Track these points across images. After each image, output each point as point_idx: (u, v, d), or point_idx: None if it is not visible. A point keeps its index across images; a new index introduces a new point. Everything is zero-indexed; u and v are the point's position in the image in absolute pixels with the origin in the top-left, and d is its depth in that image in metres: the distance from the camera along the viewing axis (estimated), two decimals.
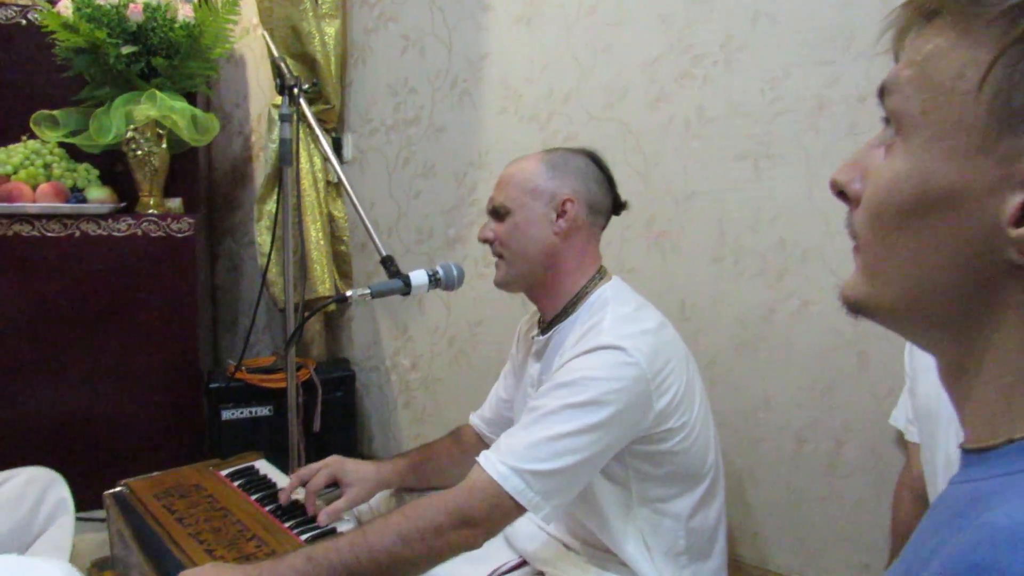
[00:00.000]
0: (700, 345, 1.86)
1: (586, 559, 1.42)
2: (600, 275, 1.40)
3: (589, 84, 2.01)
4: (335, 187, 2.49)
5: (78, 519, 1.84)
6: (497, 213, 1.38)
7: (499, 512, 1.16)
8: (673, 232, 1.90)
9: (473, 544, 1.17)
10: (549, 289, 1.39)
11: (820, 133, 1.67)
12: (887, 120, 0.52)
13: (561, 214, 1.34)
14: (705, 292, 1.87)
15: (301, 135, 2.34)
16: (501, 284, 1.41)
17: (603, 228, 1.43)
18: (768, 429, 1.81)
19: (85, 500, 1.93)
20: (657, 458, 1.30)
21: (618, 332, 1.24)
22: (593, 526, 1.35)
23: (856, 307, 0.55)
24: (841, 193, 0.56)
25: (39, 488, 1.79)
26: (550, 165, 1.37)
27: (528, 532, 1.47)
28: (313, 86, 2.18)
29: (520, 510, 1.17)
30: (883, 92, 0.52)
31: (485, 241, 1.41)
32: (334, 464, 1.53)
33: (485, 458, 1.19)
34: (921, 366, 1.18)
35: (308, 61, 2.38)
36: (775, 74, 1.71)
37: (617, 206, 1.44)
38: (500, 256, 1.39)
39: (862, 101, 1.60)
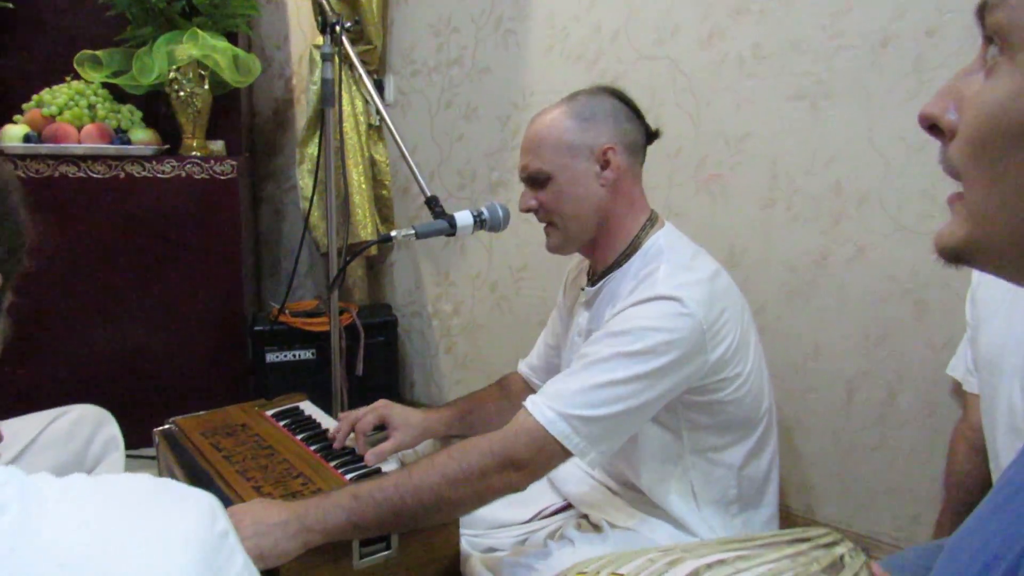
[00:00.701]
0: (749, 293, 1.78)
1: (629, 502, 1.40)
2: (652, 221, 1.35)
3: (638, 21, 1.94)
4: (376, 130, 2.45)
5: (127, 456, 1.88)
6: (536, 180, 1.32)
7: (544, 456, 1.15)
8: (724, 175, 1.84)
9: (517, 487, 1.16)
10: (602, 242, 1.35)
11: (883, 71, 1.59)
12: (989, 39, 0.47)
13: (604, 165, 1.29)
14: (755, 237, 1.81)
15: (343, 77, 2.31)
16: (555, 250, 1.37)
17: (642, 164, 1.37)
18: (818, 378, 1.76)
19: (133, 438, 1.96)
20: (710, 408, 1.27)
21: (674, 282, 1.20)
22: (636, 474, 1.33)
23: (957, 254, 0.49)
24: (932, 127, 0.51)
25: (89, 426, 1.83)
26: (578, 116, 1.30)
27: (574, 476, 1.46)
28: (355, 23, 2.14)
29: (565, 455, 1.16)
30: (984, 8, 0.47)
31: (528, 211, 1.35)
32: (382, 407, 1.53)
33: (532, 402, 1.17)
34: (984, 314, 1.13)
35: (350, 0, 2.33)
36: (837, 7, 1.62)
37: (650, 136, 1.38)
38: (549, 223, 1.34)
39: (930, 36, 1.52)
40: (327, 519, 1.13)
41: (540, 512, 1.47)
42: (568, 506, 1.48)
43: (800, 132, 1.72)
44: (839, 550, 0.80)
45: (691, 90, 1.87)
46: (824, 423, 1.77)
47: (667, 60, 1.90)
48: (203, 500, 0.57)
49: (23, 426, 1.74)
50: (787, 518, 1.82)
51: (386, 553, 1.26)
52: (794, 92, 1.71)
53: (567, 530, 1.34)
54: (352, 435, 1.50)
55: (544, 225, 1.35)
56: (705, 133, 1.86)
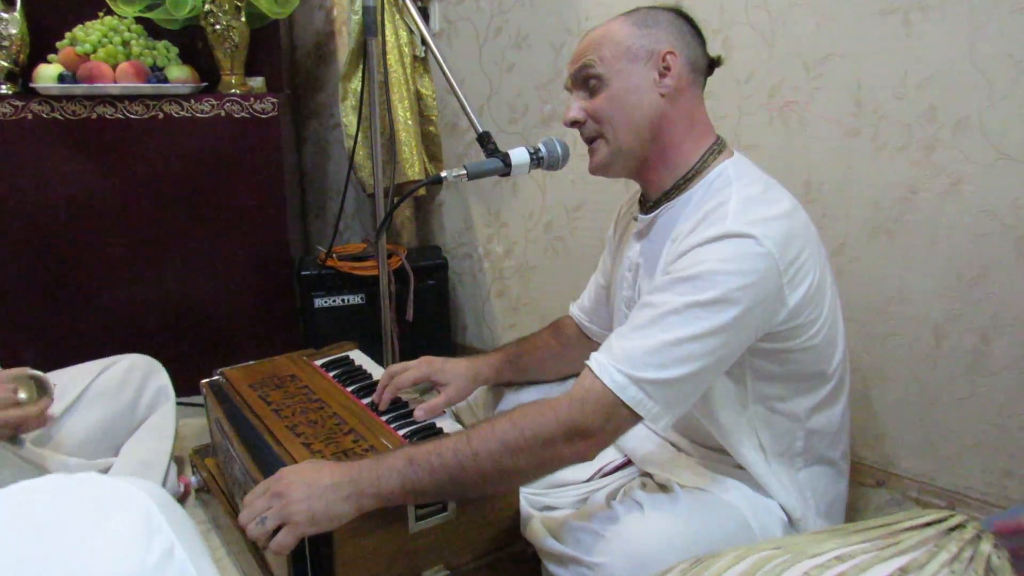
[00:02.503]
0: (827, 231, 1.67)
1: (698, 461, 1.32)
2: (719, 148, 1.22)
3: None
4: (421, 62, 2.32)
5: (178, 403, 1.86)
6: (587, 85, 1.20)
7: (614, 423, 1.06)
8: (801, 102, 1.68)
9: (585, 456, 1.08)
10: (657, 164, 1.22)
11: None
12: None
13: (665, 71, 1.17)
14: (836, 170, 1.66)
15: (385, 5, 2.17)
16: (601, 168, 1.24)
17: (703, 90, 1.24)
18: (902, 323, 1.63)
19: (184, 386, 1.94)
20: (780, 356, 1.17)
21: (746, 217, 1.08)
22: (708, 424, 1.24)
23: None
24: None
25: (140, 376, 1.81)
26: (638, 23, 1.19)
27: (637, 432, 1.36)
28: None
29: (637, 419, 1.07)
30: None
31: (574, 124, 1.23)
32: (425, 365, 1.46)
33: (598, 363, 1.07)
34: None
35: None
36: None
37: (712, 64, 1.25)
38: (598, 136, 1.22)
39: None
40: (381, 483, 1.08)
41: (600, 469, 1.39)
42: (628, 462, 1.40)
43: (889, 51, 1.54)
44: (984, 547, 0.67)
45: (765, 7, 1.69)
46: (907, 371, 1.64)
47: None
48: (136, 524, 0.48)
49: (73, 377, 1.73)
50: (860, 470, 1.71)
51: (443, 515, 1.21)
52: (883, 5, 1.53)
53: (633, 491, 1.25)
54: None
55: (590, 143, 1.23)
56: (780, 55, 1.69)
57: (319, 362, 1.71)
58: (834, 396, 1.23)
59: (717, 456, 1.29)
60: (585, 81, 1.21)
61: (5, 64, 2.05)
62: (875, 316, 1.65)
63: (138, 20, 2.10)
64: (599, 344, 1.13)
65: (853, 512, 1.63)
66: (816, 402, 1.21)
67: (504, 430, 1.07)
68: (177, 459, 1.85)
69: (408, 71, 2.26)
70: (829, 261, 1.23)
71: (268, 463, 1.26)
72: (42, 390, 1.53)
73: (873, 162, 1.60)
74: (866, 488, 1.70)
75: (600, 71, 1.18)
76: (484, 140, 1.38)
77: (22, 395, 1.50)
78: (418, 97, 2.33)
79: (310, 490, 1.07)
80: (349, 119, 2.29)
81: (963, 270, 1.53)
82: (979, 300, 1.52)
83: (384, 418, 1.41)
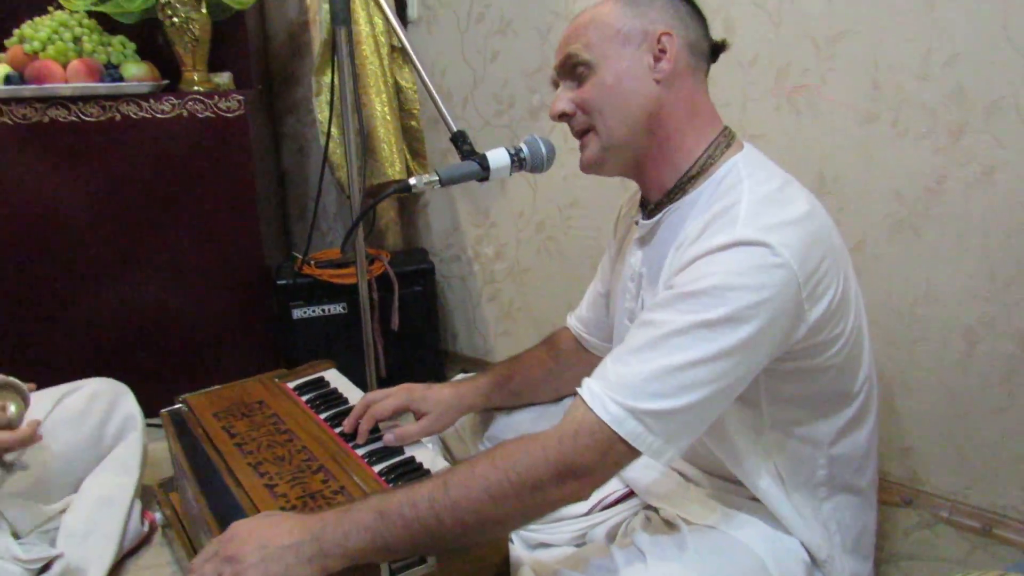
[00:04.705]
0: (844, 226, 1.50)
1: (709, 493, 1.18)
2: (727, 141, 1.08)
3: None
4: (400, 52, 2.16)
5: (150, 425, 1.74)
6: (574, 73, 1.07)
7: (611, 459, 0.93)
8: (812, 85, 1.54)
9: (579, 497, 0.95)
10: (656, 159, 1.08)
11: None
12: None
13: (659, 55, 1.03)
14: (853, 159, 1.51)
15: None
16: (594, 165, 1.10)
17: (706, 73, 1.10)
18: (929, 327, 1.49)
19: (154, 405, 1.80)
20: (801, 376, 1.03)
21: (760, 221, 0.93)
22: (719, 452, 1.10)
23: None
24: None
25: (105, 402, 1.70)
26: (629, 2, 1.05)
27: (640, 461, 1.23)
28: None
29: (636, 455, 0.93)
30: None
31: (561, 117, 1.09)
32: (405, 393, 1.34)
33: (591, 392, 0.93)
34: None
35: None
36: None
37: (715, 49, 1.11)
38: (588, 130, 1.08)
39: None
40: (348, 541, 0.94)
41: (600, 502, 1.26)
42: (631, 493, 1.27)
43: (910, 27, 1.40)
44: None
45: None
46: (935, 379, 1.50)
47: None
48: None
49: (34, 402, 1.59)
50: (886, 489, 1.58)
51: (421, 568, 1.07)
52: None
53: (635, 533, 1.12)
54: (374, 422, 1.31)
55: (580, 137, 1.10)
56: (788, 35, 1.54)
57: (292, 384, 1.58)
58: (859, 418, 1.10)
59: (730, 487, 1.17)
60: (572, 69, 1.07)
61: None
62: (900, 320, 1.52)
63: (90, 14, 1.95)
64: (599, 359, 1.00)
65: (879, 537, 1.49)
66: (840, 426, 1.09)
67: (485, 473, 0.93)
68: (146, 489, 1.73)
69: (385, 62, 2.10)
70: (851, 265, 1.08)
71: (225, 510, 1.15)
72: (22, 401, 1.42)
73: (894, 150, 1.46)
74: (893, 508, 1.56)
75: (587, 57, 1.04)
76: (459, 140, 1.23)
77: (11, 409, 1.40)
78: (397, 90, 2.18)
79: (265, 552, 0.93)
80: (323, 115, 2.14)
81: (997, 269, 1.39)
82: (1017, 302, 1.38)
83: (359, 452, 1.28)
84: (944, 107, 1.39)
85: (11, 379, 1.42)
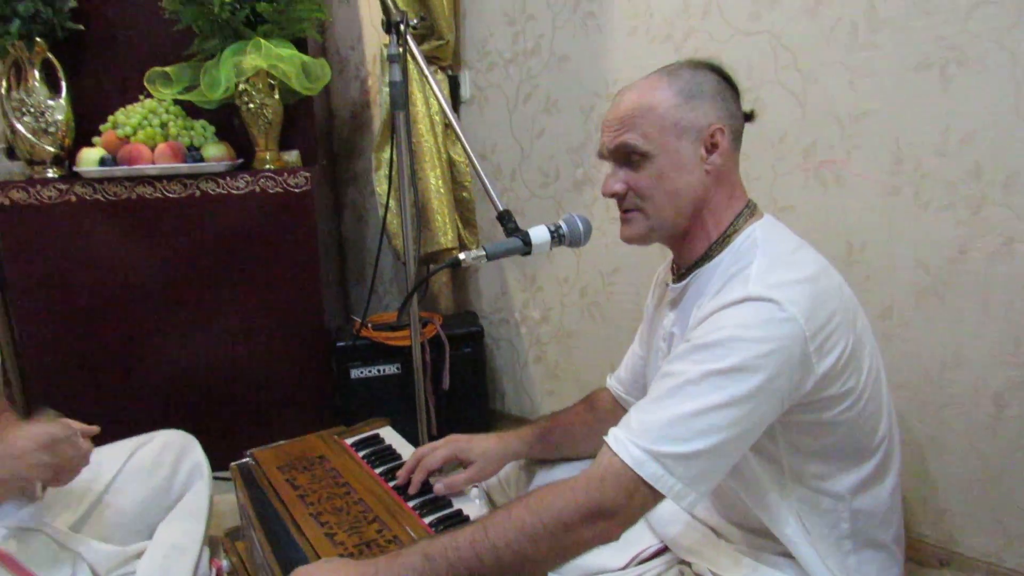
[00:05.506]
0: (872, 293, 1.59)
1: (738, 546, 1.24)
2: (749, 211, 1.17)
3: None
4: (453, 130, 2.33)
5: (216, 478, 1.85)
6: (629, 159, 1.14)
7: (636, 502, 1.00)
8: (838, 161, 1.62)
9: (609, 538, 1.02)
10: (693, 233, 1.17)
11: None
12: None
13: (712, 148, 1.11)
14: (878, 230, 1.59)
15: (415, 76, 2.19)
16: (637, 239, 1.19)
17: (739, 150, 1.18)
18: (958, 391, 1.53)
19: (220, 459, 1.92)
20: (816, 430, 1.09)
21: (769, 280, 1.02)
22: (747, 502, 1.16)
23: None
24: None
25: (174, 453, 1.79)
26: (684, 92, 1.11)
27: (670, 513, 1.30)
28: (422, 21, 2.02)
29: (659, 497, 1.00)
30: None
31: (613, 195, 1.17)
32: (452, 444, 1.42)
33: (615, 438, 1.02)
34: None
35: None
36: None
37: (746, 118, 1.19)
38: (636, 209, 1.17)
39: None
40: None
41: (637, 556, 1.32)
42: (666, 548, 1.33)
43: (928, 107, 1.48)
44: None
45: (795, 66, 1.65)
46: (966, 442, 1.54)
47: (767, 34, 1.68)
48: None
49: (108, 456, 1.72)
50: (921, 549, 1.60)
51: None
52: (919, 61, 1.48)
53: None
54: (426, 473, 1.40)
55: (623, 212, 1.18)
56: (814, 114, 1.64)
57: (350, 440, 1.68)
58: (880, 473, 1.15)
59: (758, 541, 1.22)
60: (627, 156, 1.14)
61: (51, 149, 2.12)
62: (929, 383, 1.56)
63: (176, 101, 2.15)
64: None
65: None
66: (860, 480, 1.13)
67: (521, 516, 1.02)
68: (212, 538, 1.83)
69: (440, 139, 2.26)
70: (871, 326, 1.15)
71: (288, 556, 1.23)
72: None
73: (917, 221, 1.53)
74: (929, 570, 1.59)
75: (645, 148, 1.11)
76: (504, 219, 1.35)
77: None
78: (450, 164, 2.33)
79: None
80: (382, 187, 2.30)
81: (1021, 334, 1.44)
82: None
83: (411, 503, 1.37)
84: (963, 182, 1.46)
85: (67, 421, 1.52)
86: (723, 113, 1.13)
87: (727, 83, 1.16)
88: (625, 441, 1.00)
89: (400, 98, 1.74)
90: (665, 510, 1.28)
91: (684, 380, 1.00)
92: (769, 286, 1.00)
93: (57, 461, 1.39)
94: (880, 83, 1.54)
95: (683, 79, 1.13)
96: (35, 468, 1.37)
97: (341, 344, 2.24)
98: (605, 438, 1.04)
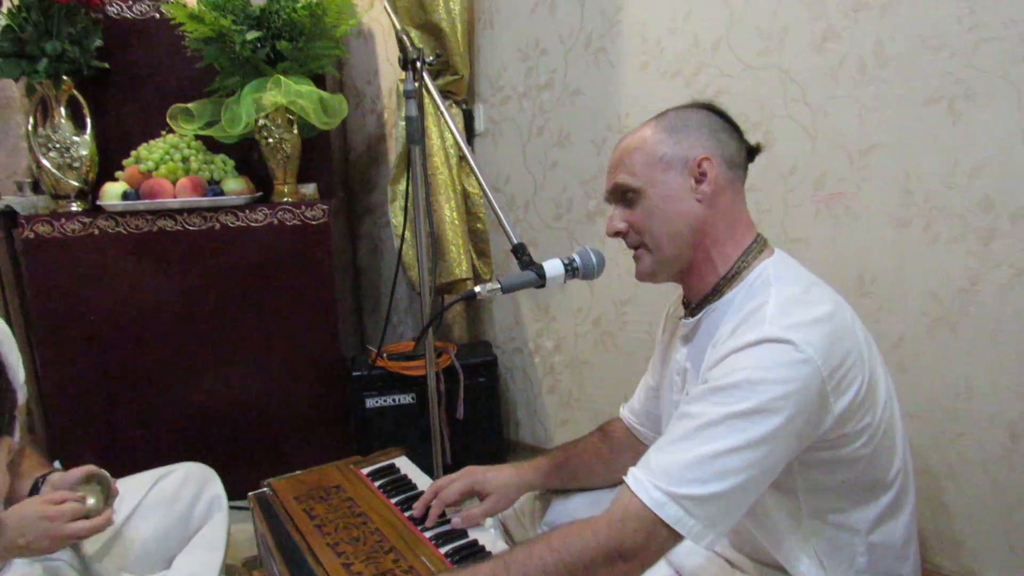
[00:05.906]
0: (883, 325, 1.60)
1: None
2: (759, 247, 1.19)
3: (741, 28, 1.77)
4: (468, 162, 2.37)
5: (233, 508, 1.87)
6: (624, 198, 1.19)
7: (656, 543, 1.01)
8: (847, 194, 1.64)
9: None
10: (699, 267, 1.19)
11: None
12: None
13: (700, 178, 1.14)
14: (889, 262, 1.60)
15: (430, 110, 2.24)
16: (647, 276, 1.22)
17: (743, 181, 1.21)
18: (972, 421, 1.53)
19: (237, 488, 1.94)
20: (833, 466, 1.10)
21: (785, 321, 1.03)
22: (762, 538, 1.17)
23: None
24: None
25: (195, 485, 1.82)
26: (669, 129, 1.17)
27: (686, 546, 1.30)
28: (437, 57, 2.07)
29: (679, 539, 1.01)
30: None
31: (616, 235, 1.21)
32: (468, 476, 1.44)
33: (635, 480, 1.03)
34: None
35: (433, 30, 2.26)
36: None
37: (751, 152, 1.22)
38: (640, 246, 1.20)
39: None
40: None
41: None
42: None
43: (936, 140, 1.50)
44: None
45: (805, 100, 1.68)
46: (981, 472, 1.54)
47: (776, 69, 1.71)
48: None
49: (129, 487, 1.74)
50: None
51: None
52: (927, 95, 1.50)
53: None
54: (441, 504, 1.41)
55: (633, 251, 1.22)
56: (823, 148, 1.67)
57: (366, 470, 1.69)
58: (896, 506, 1.16)
59: (773, 574, 1.22)
60: (623, 195, 1.20)
61: (76, 183, 2.17)
62: (943, 414, 1.57)
63: (197, 136, 2.20)
64: (649, 447, 1.09)
65: None
66: (876, 514, 1.14)
67: (542, 555, 1.03)
68: (229, 566, 1.84)
69: (454, 171, 2.30)
70: (884, 361, 1.16)
71: None
72: (107, 491, 1.53)
73: (928, 253, 1.55)
74: None
75: (635, 184, 1.16)
76: (518, 252, 1.37)
77: (90, 501, 1.50)
78: (465, 196, 2.37)
79: None
80: (397, 219, 2.34)
81: None
82: None
83: (427, 534, 1.38)
84: (972, 214, 1.48)
85: (102, 472, 1.54)
86: (710, 143, 1.16)
87: (719, 117, 1.20)
88: (645, 482, 1.01)
89: (416, 133, 1.78)
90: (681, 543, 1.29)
91: (704, 422, 1.01)
92: (785, 327, 1.01)
93: (46, 545, 1.39)
94: (889, 117, 1.56)
95: (668, 118, 1.19)
96: (28, 552, 1.38)
97: (357, 373, 2.26)
98: (625, 478, 1.05)
